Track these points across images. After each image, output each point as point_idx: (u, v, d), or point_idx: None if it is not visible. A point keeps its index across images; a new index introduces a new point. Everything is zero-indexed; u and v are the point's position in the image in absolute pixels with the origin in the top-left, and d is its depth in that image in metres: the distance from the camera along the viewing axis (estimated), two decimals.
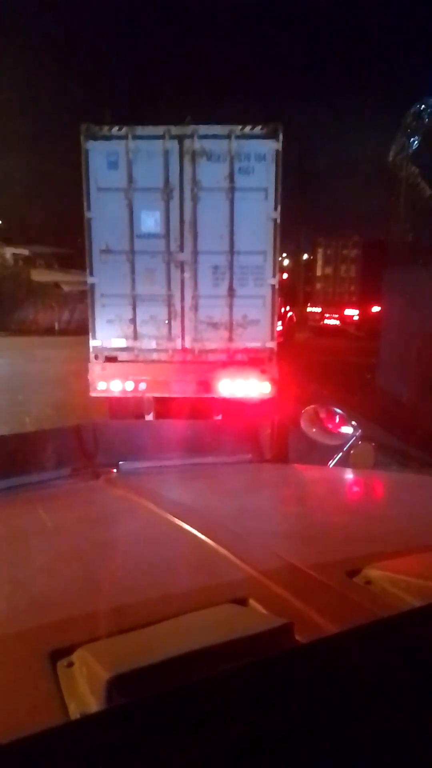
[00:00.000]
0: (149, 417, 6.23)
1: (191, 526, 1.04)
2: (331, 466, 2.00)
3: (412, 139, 10.94)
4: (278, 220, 6.17)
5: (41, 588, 0.88)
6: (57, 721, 0.53)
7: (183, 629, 0.67)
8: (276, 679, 0.48)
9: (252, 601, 0.75)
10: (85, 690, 0.57)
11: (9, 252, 25.25)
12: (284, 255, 24.79)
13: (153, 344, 6.42)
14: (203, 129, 6.09)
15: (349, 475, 1.87)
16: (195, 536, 1.00)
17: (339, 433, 2.17)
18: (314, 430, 2.20)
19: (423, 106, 10.87)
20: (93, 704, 0.54)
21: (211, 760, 0.41)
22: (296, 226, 24.74)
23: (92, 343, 6.39)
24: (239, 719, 0.43)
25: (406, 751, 0.44)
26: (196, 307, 6.35)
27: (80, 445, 1.68)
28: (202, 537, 0.99)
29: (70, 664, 0.62)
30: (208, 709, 0.44)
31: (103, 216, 6.15)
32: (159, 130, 6.07)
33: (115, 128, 6.04)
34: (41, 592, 0.86)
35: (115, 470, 1.61)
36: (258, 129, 6.05)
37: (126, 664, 0.55)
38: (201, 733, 0.42)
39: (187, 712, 0.44)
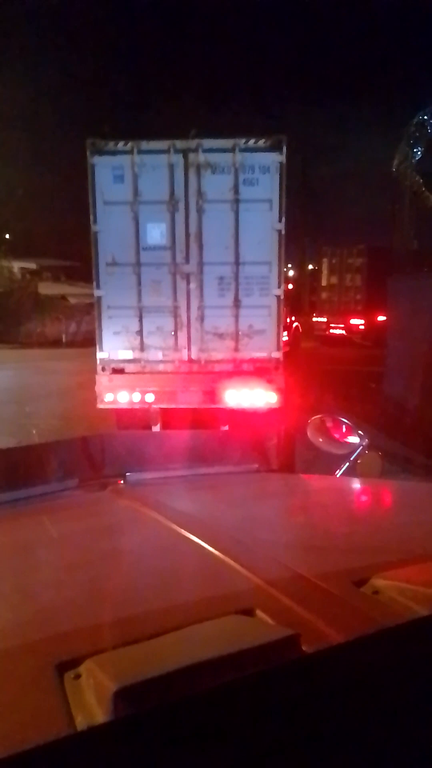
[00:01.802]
0: (156, 428, 6.23)
1: (198, 537, 1.04)
2: (338, 475, 1.99)
3: (415, 149, 11.00)
4: (283, 231, 6.20)
5: (48, 599, 0.88)
6: (64, 734, 0.53)
7: (190, 640, 0.67)
8: (283, 689, 0.48)
9: (259, 612, 0.75)
10: (92, 702, 0.57)
11: (16, 265, 25.48)
12: (289, 265, 24.86)
13: (159, 355, 6.44)
14: (207, 142, 6.15)
15: (356, 484, 1.87)
16: (202, 547, 1.00)
17: (346, 442, 2.17)
18: (321, 439, 2.19)
19: (426, 115, 10.93)
20: (100, 716, 0.54)
21: None
22: (301, 236, 24.83)
23: (99, 355, 6.43)
24: (246, 730, 0.43)
25: (414, 761, 0.44)
26: (202, 318, 6.37)
27: (87, 457, 1.69)
28: (209, 548, 0.99)
29: (78, 676, 0.62)
30: (214, 719, 0.44)
31: (110, 229, 6.21)
32: (164, 144, 6.14)
33: (121, 143, 6.12)
34: (48, 604, 0.86)
35: (122, 481, 1.62)
36: (262, 141, 6.10)
37: (133, 676, 0.55)
38: (207, 744, 0.42)
39: (193, 723, 0.44)
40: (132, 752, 0.41)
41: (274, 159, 6.09)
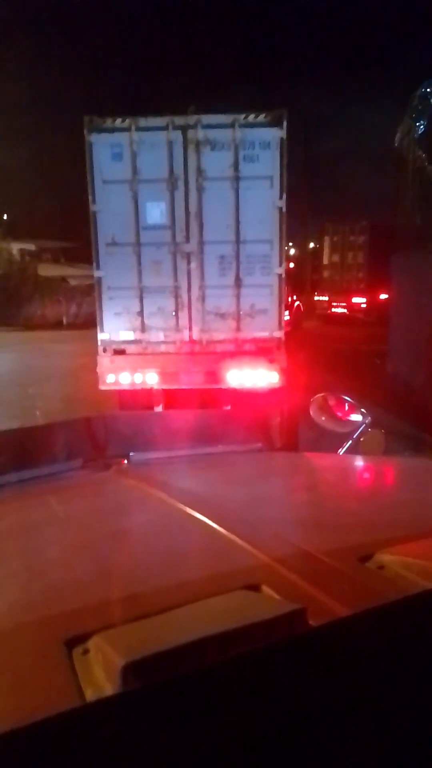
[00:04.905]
0: (158, 409, 6.25)
1: (202, 515, 1.05)
2: (341, 453, 2.00)
3: (418, 122, 10.80)
4: (284, 209, 6.12)
5: (56, 577, 0.89)
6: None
7: (197, 615, 0.67)
8: (289, 662, 0.48)
9: (265, 587, 0.75)
10: (101, 677, 0.58)
11: (15, 247, 25.32)
12: (290, 243, 24.61)
13: (161, 336, 6.42)
14: (206, 118, 6.04)
15: (359, 462, 1.87)
16: (206, 524, 1.01)
17: (348, 420, 2.17)
18: (323, 418, 2.20)
19: (429, 88, 10.70)
20: (109, 691, 0.55)
21: (225, 745, 0.41)
22: (303, 214, 24.56)
23: (100, 336, 6.41)
24: (253, 703, 0.44)
25: (421, 733, 0.44)
26: (203, 298, 6.34)
27: (91, 437, 1.69)
28: (214, 525, 1.00)
29: (86, 652, 0.62)
30: (221, 694, 0.45)
31: (109, 208, 6.14)
32: (162, 120, 6.03)
33: (119, 120, 6.01)
34: (56, 582, 0.87)
35: (125, 461, 1.62)
36: (262, 116, 5.99)
37: (141, 651, 0.56)
38: (214, 718, 0.43)
39: (199, 697, 0.44)
40: (139, 725, 0.42)
41: (275, 134, 5.99)
